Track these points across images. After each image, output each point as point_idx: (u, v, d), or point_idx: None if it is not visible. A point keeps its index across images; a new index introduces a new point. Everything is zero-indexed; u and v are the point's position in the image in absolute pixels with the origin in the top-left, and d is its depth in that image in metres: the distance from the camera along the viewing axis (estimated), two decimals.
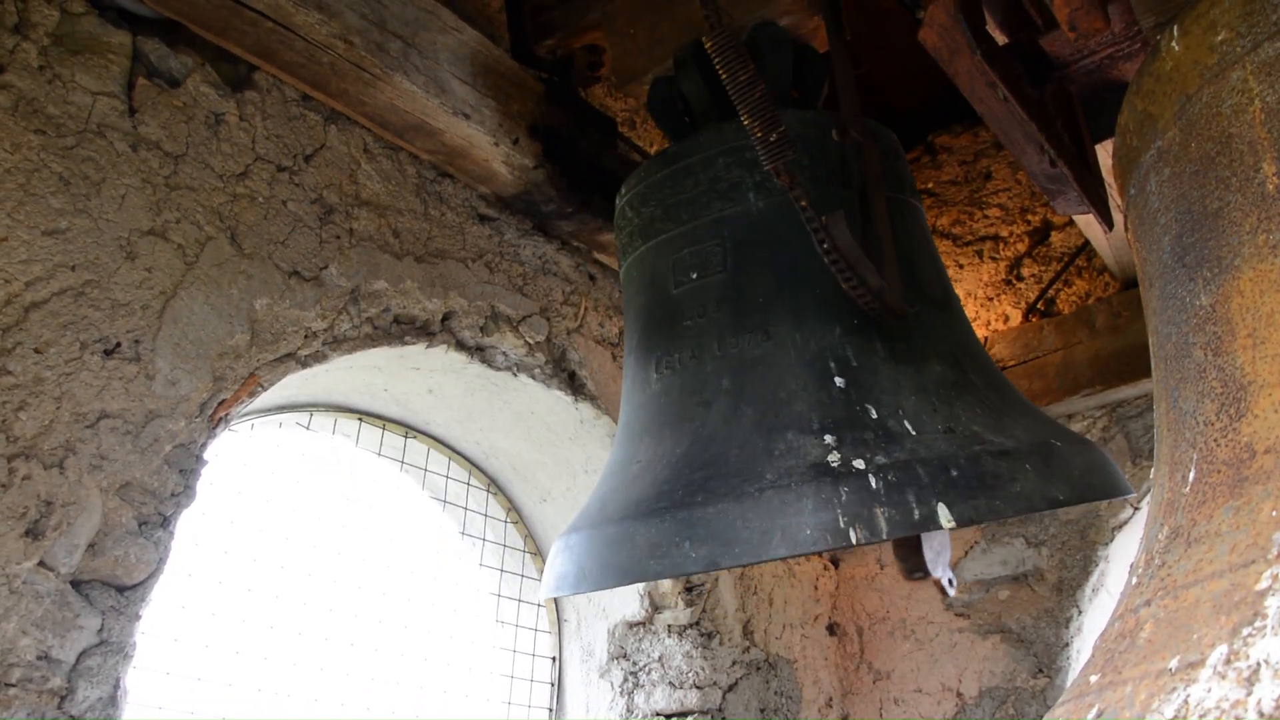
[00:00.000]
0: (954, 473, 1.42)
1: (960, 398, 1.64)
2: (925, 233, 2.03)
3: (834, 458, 1.47)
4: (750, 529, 1.41)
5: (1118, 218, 2.46)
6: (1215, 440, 1.25)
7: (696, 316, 1.82)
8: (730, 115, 1.96)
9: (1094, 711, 1.06)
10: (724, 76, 1.51)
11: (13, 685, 1.66)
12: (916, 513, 1.38)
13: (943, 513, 1.37)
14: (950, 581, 1.74)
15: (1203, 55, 1.44)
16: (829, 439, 1.51)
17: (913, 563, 1.67)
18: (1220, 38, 1.41)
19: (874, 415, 1.55)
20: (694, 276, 1.86)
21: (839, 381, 1.61)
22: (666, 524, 1.48)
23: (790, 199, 1.58)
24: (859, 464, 1.45)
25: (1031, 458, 1.49)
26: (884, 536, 1.38)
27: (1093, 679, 1.15)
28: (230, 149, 2.17)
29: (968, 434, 1.53)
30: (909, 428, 1.53)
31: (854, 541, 1.36)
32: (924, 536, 1.66)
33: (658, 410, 1.79)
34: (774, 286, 1.77)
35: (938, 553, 1.70)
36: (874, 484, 1.41)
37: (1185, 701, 0.94)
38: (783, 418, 1.59)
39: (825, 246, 1.56)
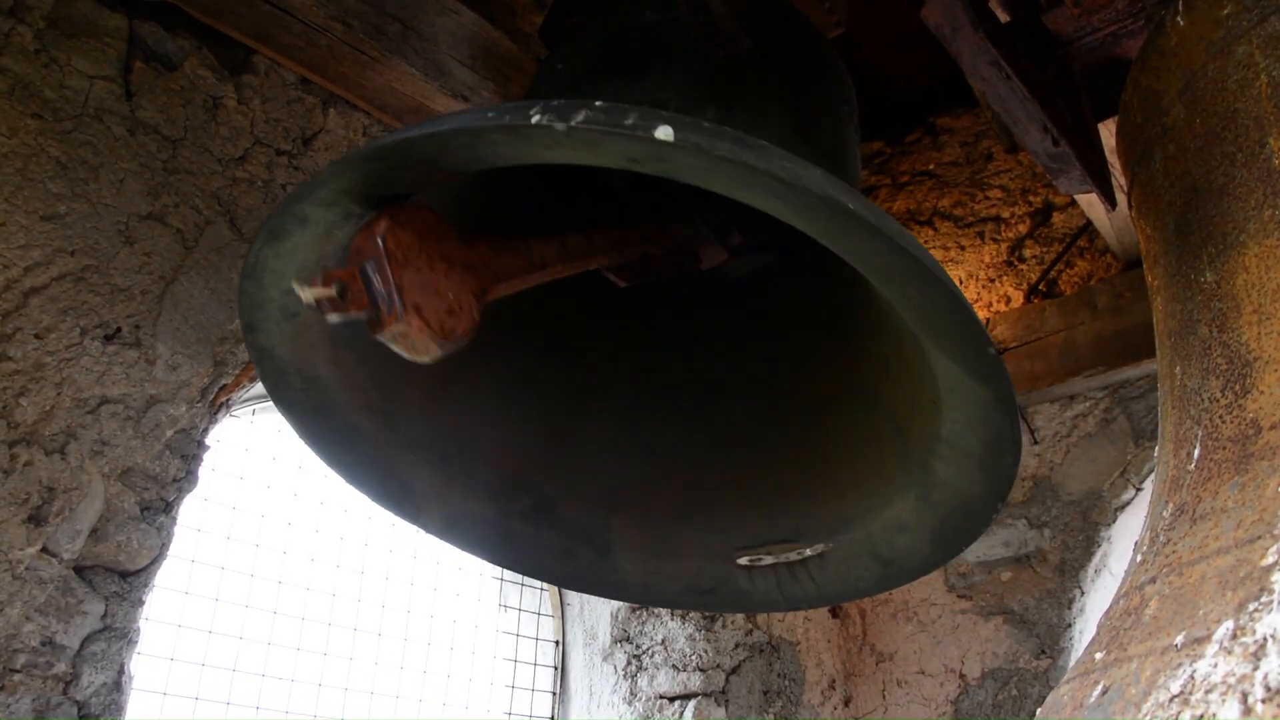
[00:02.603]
0: (707, 126, 1.10)
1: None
2: (854, 151, 1.87)
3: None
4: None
5: (1120, 197, 2.45)
6: (1220, 417, 1.25)
7: (567, 77, 1.79)
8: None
9: (1099, 688, 1.06)
10: None
11: (18, 671, 1.67)
12: (630, 119, 1.07)
13: (662, 129, 1.05)
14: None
15: (1208, 30, 1.43)
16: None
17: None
18: (1226, 11, 1.40)
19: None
20: (559, 67, 1.85)
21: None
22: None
23: None
24: (600, 103, 1.13)
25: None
26: (571, 124, 1.06)
27: (1098, 656, 1.14)
28: (228, 133, 2.16)
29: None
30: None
31: (534, 121, 1.07)
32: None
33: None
34: (631, 61, 1.71)
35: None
36: (599, 104, 1.10)
37: (1191, 677, 0.94)
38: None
39: None
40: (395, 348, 1.18)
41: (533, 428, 1.82)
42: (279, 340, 1.46)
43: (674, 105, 1.56)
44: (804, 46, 1.83)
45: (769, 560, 1.69)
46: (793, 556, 1.68)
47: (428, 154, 1.20)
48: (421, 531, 1.79)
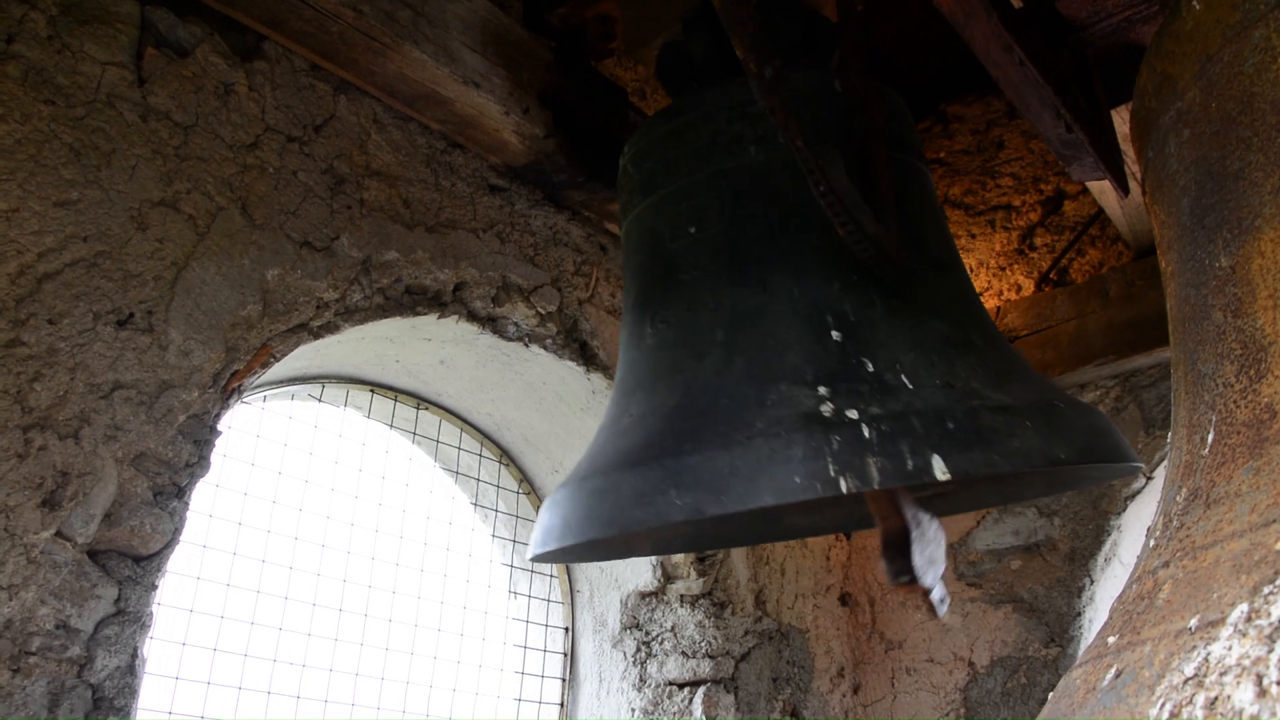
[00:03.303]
0: (950, 425, 1.38)
1: (960, 356, 1.60)
2: (932, 196, 2.01)
3: (826, 408, 1.44)
4: (738, 476, 1.37)
5: (1133, 185, 2.44)
6: (1235, 402, 1.24)
7: (692, 270, 1.79)
8: (737, 74, 1.95)
9: (1113, 672, 1.06)
10: (718, 8, 1.48)
11: (33, 654, 1.68)
12: (910, 463, 1.33)
13: (937, 464, 1.33)
14: (942, 600, 1.59)
15: (1225, 13, 1.42)
16: (822, 390, 1.48)
17: (899, 565, 1.56)
18: None
19: (870, 368, 1.52)
20: (691, 230, 1.83)
21: (835, 335, 1.58)
22: (653, 472, 1.46)
23: (787, 142, 1.55)
24: (852, 414, 1.41)
25: (1032, 415, 1.45)
26: (875, 485, 1.33)
27: (1111, 640, 1.14)
28: (240, 119, 2.16)
29: (966, 389, 1.50)
30: (905, 381, 1.50)
31: (844, 489, 1.32)
32: (915, 537, 1.57)
33: (651, 365, 1.76)
34: (771, 239, 1.74)
35: (929, 560, 1.58)
36: (867, 433, 1.37)
37: (1205, 660, 0.93)
38: (775, 369, 1.56)
39: (821, 189, 1.53)
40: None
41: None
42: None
43: (849, 307, 1.62)
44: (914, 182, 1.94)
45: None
46: (927, 492, 1.92)
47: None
48: (433, 520, 1.84)
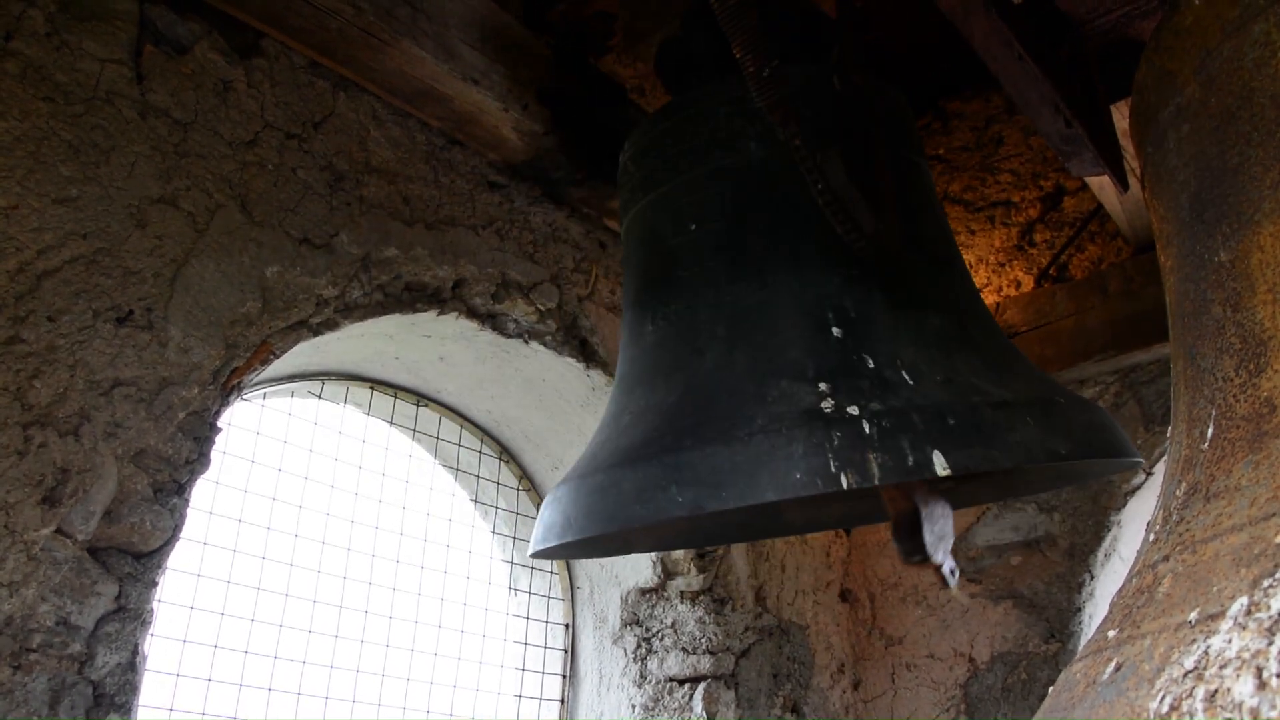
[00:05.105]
0: (950, 421, 1.39)
1: (960, 351, 1.61)
2: (931, 192, 2.00)
3: (827, 404, 1.45)
4: (738, 472, 1.38)
5: (1132, 181, 2.43)
6: (1234, 396, 1.24)
7: (693, 266, 1.78)
8: (737, 70, 1.95)
9: (1113, 665, 1.06)
10: (715, 6, 1.48)
11: (34, 651, 1.68)
12: (910, 458, 1.34)
13: (938, 459, 1.34)
14: (952, 571, 1.65)
15: (1225, 8, 1.42)
16: (823, 386, 1.48)
17: (911, 544, 1.59)
18: None
19: (870, 364, 1.52)
20: (691, 227, 1.83)
21: (835, 331, 1.58)
22: (653, 468, 1.46)
23: (785, 140, 1.55)
24: (853, 410, 1.42)
25: (1032, 410, 1.46)
26: (876, 481, 1.34)
27: (1111, 634, 1.14)
28: (239, 116, 2.16)
29: (966, 385, 1.51)
30: (906, 377, 1.50)
31: (845, 485, 1.33)
32: (925, 517, 1.60)
33: (651, 361, 1.76)
34: (772, 235, 1.74)
35: (939, 537, 1.62)
36: (867, 429, 1.38)
37: (1205, 653, 0.94)
38: (776, 364, 1.56)
39: (819, 188, 1.53)
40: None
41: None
42: None
43: (850, 303, 1.62)
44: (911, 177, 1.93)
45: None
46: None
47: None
48: (434, 517, 1.86)
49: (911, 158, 1.96)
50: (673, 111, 1.99)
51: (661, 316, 1.79)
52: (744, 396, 1.53)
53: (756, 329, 1.64)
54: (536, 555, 1.75)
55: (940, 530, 1.58)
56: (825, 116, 1.80)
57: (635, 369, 1.80)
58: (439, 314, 2.51)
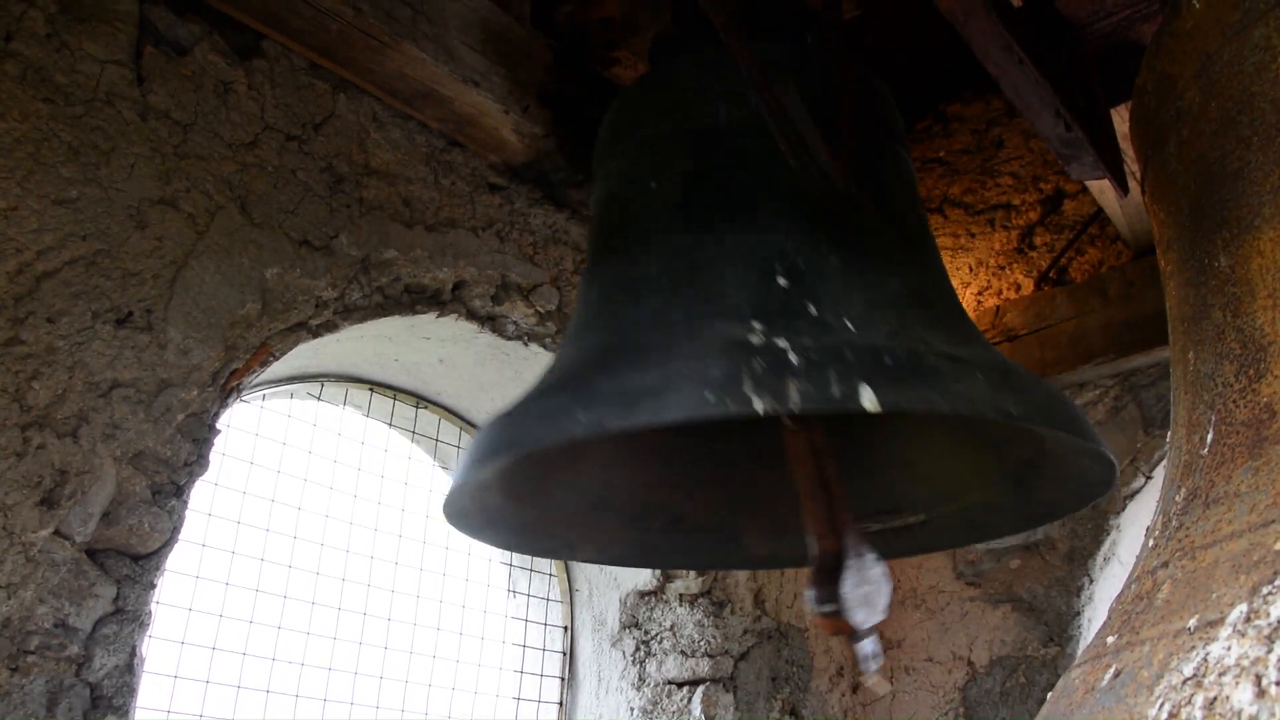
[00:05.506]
0: (887, 360, 1.30)
1: (915, 314, 1.52)
2: (910, 179, 1.94)
3: (756, 338, 1.36)
4: (647, 393, 1.29)
5: (1132, 184, 2.43)
6: (1234, 401, 1.24)
7: (648, 222, 1.75)
8: (713, 39, 1.93)
9: (1112, 671, 1.06)
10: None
11: (31, 653, 1.68)
12: (836, 389, 1.23)
13: (865, 393, 1.22)
14: (874, 656, 1.38)
15: (1225, 12, 1.42)
16: (757, 324, 1.40)
17: (824, 590, 1.38)
18: None
19: (813, 312, 1.44)
20: (652, 185, 1.79)
21: (782, 281, 1.51)
22: (564, 396, 1.41)
23: (744, 70, 1.51)
24: (781, 343, 1.32)
25: (987, 370, 1.35)
26: (793, 407, 1.23)
27: (1110, 640, 1.14)
28: (239, 118, 2.16)
29: (914, 337, 1.42)
30: (848, 324, 1.41)
31: (759, 409, 1.23)
32: (849, 566, 1.40)
33: (594, 312, 1.72)
34: (732, 194, 1.70)
35: (863, 600, 1.38)
36: (794, 360, 1.28)
37: (1204, 660, 0.93)
38: (713, 308, 1.50)
39: (770, 106, 1.48)
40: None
41: (654, 462, 2.00)
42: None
43: (801, 259, 1.57)
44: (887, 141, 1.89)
45: (876, 527, 1.90)
46: (895, 524, 1.90)
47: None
48: (432, 518, 1.84)
49: (894, 147, 1.91)
50: (647, 79, 2.00)
51: (612, 270, 1.75)
52: (673, 334, 1.48)
53: (700, 277, 1.58)
54: (449, 520, 1.67)
55: (865, 584, 1.39)
56: (800, 83, 1.76)
57: (578, 322, 1.76)
58: (439, 316, 2.51)
